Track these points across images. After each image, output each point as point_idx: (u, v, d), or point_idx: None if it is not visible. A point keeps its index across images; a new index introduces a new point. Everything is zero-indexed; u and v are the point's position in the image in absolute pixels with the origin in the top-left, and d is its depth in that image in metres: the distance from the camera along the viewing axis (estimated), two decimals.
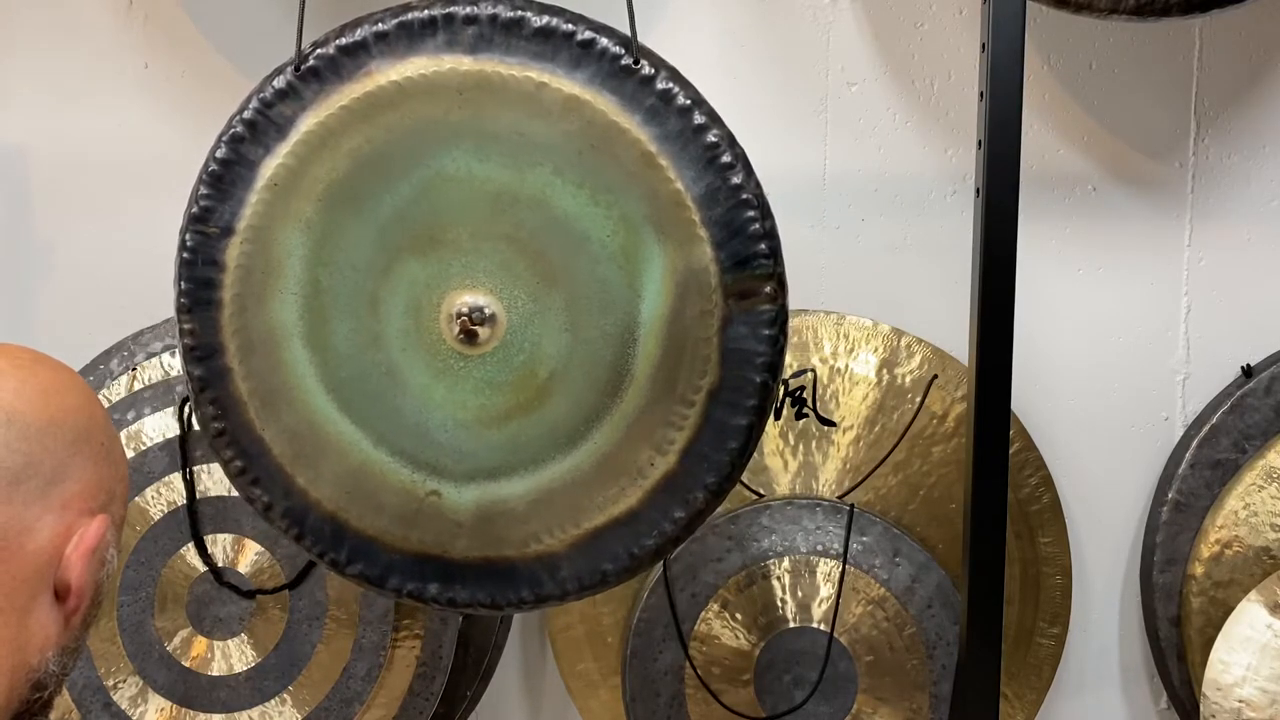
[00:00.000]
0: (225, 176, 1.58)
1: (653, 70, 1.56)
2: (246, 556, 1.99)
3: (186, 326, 1.60)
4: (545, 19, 1.56)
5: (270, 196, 1.58)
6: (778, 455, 2.20)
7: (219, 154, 1.58)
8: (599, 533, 1.64)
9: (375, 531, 1.65)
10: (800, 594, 2.09)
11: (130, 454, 1.98)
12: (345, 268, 1.60)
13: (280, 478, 1.63)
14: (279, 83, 1.57)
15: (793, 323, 2.16)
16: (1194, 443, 2.19)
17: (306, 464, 1.63)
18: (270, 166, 1.57)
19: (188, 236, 1.59)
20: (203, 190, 1.58)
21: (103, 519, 1.14)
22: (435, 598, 1.66)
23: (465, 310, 1.59)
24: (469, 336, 1.60)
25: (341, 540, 1.65)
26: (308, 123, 1.57)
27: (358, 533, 1.65)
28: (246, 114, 1.58)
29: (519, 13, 1.55)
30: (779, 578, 2.09)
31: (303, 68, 1.57)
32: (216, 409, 1.62)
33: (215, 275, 1.59)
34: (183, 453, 2.00)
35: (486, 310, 1.60)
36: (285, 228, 1.58)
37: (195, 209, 1.58)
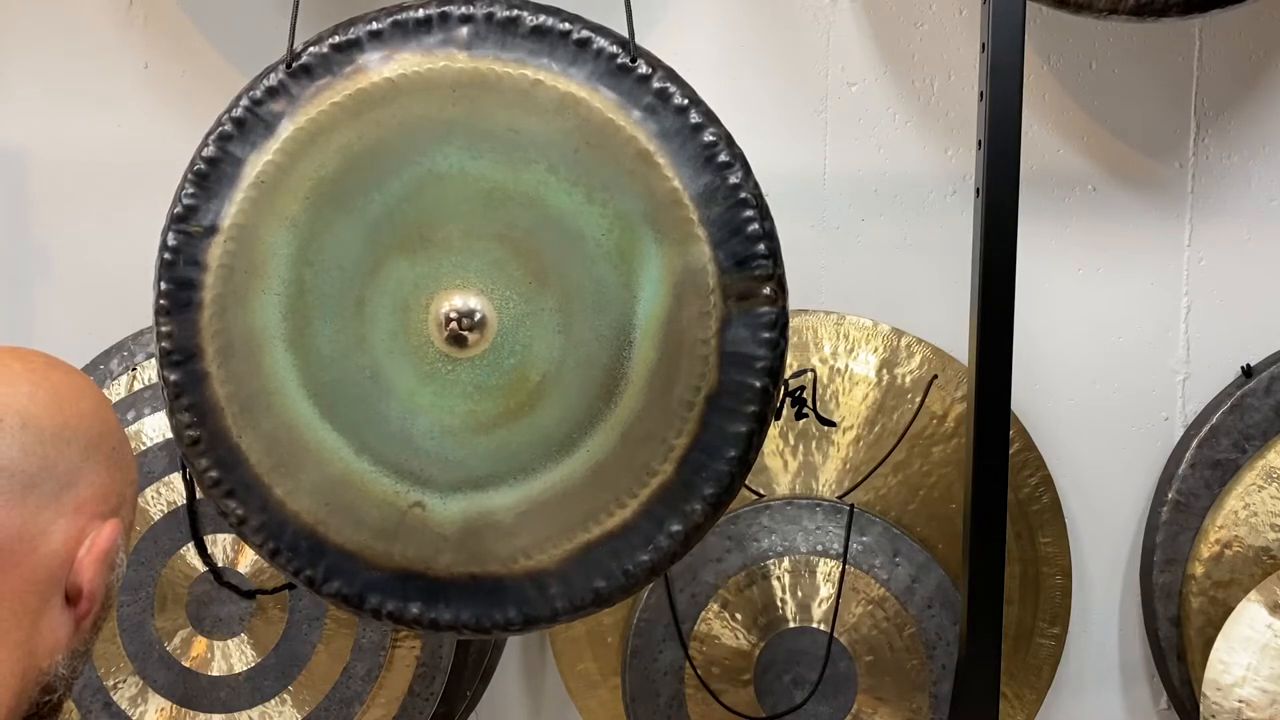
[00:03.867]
0: (211, 175, 1.55)
1: (649, 68, 1.56)
2: (246, 556, 2.00)
3: (164, 329, 1.56)
4: (541, 18, 1.55)
5: (257, 194, 1.55)
6: (778, 455, 2.20)
7: (205, 152, 1.56)
8: (591, 547, 1.58)
9: (355, 546, 1.58)
10: (800, 594, 2.08)
11: None
12: (331, 267, 1.56)
13: (257, 489, 1.58)
14: (270, 80, 1.56)
15: (793, 323, 2.16)
16: (1194, 443, 2.19)
17: (285, 474, 1.58)
18: (258, 164, 1.55)
19: (169, 236, 1.56)
20: (187, 189, 1.56)
21: (114, 523, 1.14)
22: (417, 619, 1.60)
23: (455, 314, 1.55)
24: (458, 339, 1.56)
25: (319, 556, 1.59)
26: (298, 120, 1.55)
27: (337, 547, 1.58)
28: (236, 112, 1.56)
29: (515, 11, 1.55)
30: (779, 578, 2.09)
31: (294, 65, 1.56)
32: (192, 415, 1.57)
33: (197, 276, 1.55)
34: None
35: (477, 315, 1.56)
36: (270, 226, 1.55)
37: (178, 208, 1.56)
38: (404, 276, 1.57)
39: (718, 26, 2.27)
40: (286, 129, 1.55)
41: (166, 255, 1.56)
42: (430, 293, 1.57)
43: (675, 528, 1.59)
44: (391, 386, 1.58)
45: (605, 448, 1.58)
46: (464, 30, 1.55)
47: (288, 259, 1.56)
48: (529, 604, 1.60)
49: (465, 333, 1.56)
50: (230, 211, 1.55)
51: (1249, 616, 2.04)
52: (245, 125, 1.56)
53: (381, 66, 1.55)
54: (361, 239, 1.56)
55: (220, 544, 2.00)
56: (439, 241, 1.56)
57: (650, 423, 1.57)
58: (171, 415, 1.59)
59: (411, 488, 1.59)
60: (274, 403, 1.57)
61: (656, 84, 1.55)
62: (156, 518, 2.00)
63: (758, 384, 1.57)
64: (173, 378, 1.57)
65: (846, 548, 2.08)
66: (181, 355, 1.56)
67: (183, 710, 2.00)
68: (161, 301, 1.56)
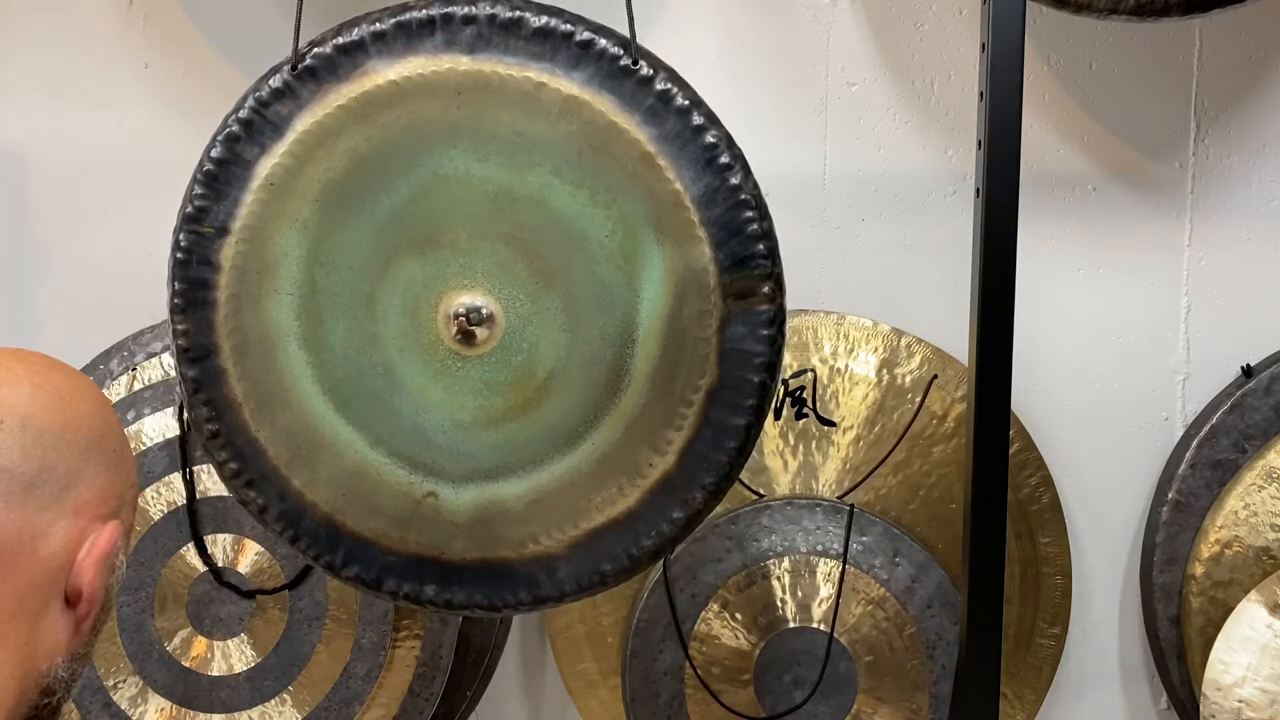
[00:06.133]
0: (220, 176, 1.57)
1: (651, 71, 1.56)
2: (246, 556, 2.00)
3: (180, 327, 1.59)
4: (544, 19, 1.55)
5: (266, 196, 1.56)
6: (778, 455, 2.20)
7: (214, 153, 1.57)
8: (597, 534, 1.63)
9: (372, 534, 1.64)
10: (800, 594, 2.09)
11: None
12: (342, 268, 1.59)
13: (276, 480, 1.62)
14: (275, 82, 1.57)
15: (793, 323, 2.17)
16: (1194, 443, 2.19)
17: (302, 466, 1.62)
18: (266, 166, 1.56)
19: (182, 236, 1.58)
20: (197, 190, 1.57)
21: (114, 525, 1.14)
22: (432, 600, 1.65)
23: (463, 311, 1.59)
24: (467, 337, 1.59)
25: (338, 543, 1.64)
26: (304, 122, 1.56)
27: (354, 535, 1.64)
28: (242, 113, 1.57)
29: (517, 13, 1.55)
30: (779, 578, 2.09)
31: (299, 67, 1.56)
32: (210, 410, 1.60)
33: (210, 275, 1.58)
34: (183, 453, 2.00)
35: (484, 311, 1.59)
36: (281, 227, 1.57)
37: (190, 209, 1.57)
38: (413, 276, 1.59)
39: (718, 27, 2.27)
40: (294, 131, 1.56)
41: (180, 255, 1.58)
42: (439, 292, 1.59)
43: (676, 514, 1.63)
44: (403, 383, 1.61)
45: (610, 440, 1.62)
46: (467, 32, 1.55)
47: (299, 260, 1.58)
48: (538, 586, 1.65)
49: (474, 329, 1.59)
50: (240, 213, 1.57)
51: (1249, 616, 2.04)
52: (252, 127, 1.57)
53: (386, 69, 1.56)
54: (371, 240, 1.58)
55: (220, 544, 2.00)
56: (446, 242, 1.58)
57: (653, 417, 1.60)
58: (191, 410, 1.61)
59: (425, 479, 1.63)
60: (290, 398, 1.61)
61: (659, 86, 1.56)
62: (156, 518, 2.00)
63: (756, 379, 1.59)
64: (190, 374, 1.60)
65: (846, 548, 2.08)
66: (198, 352, 1.59)
67: (183, 710, 1.99)
68: (176, 300, 1.59)
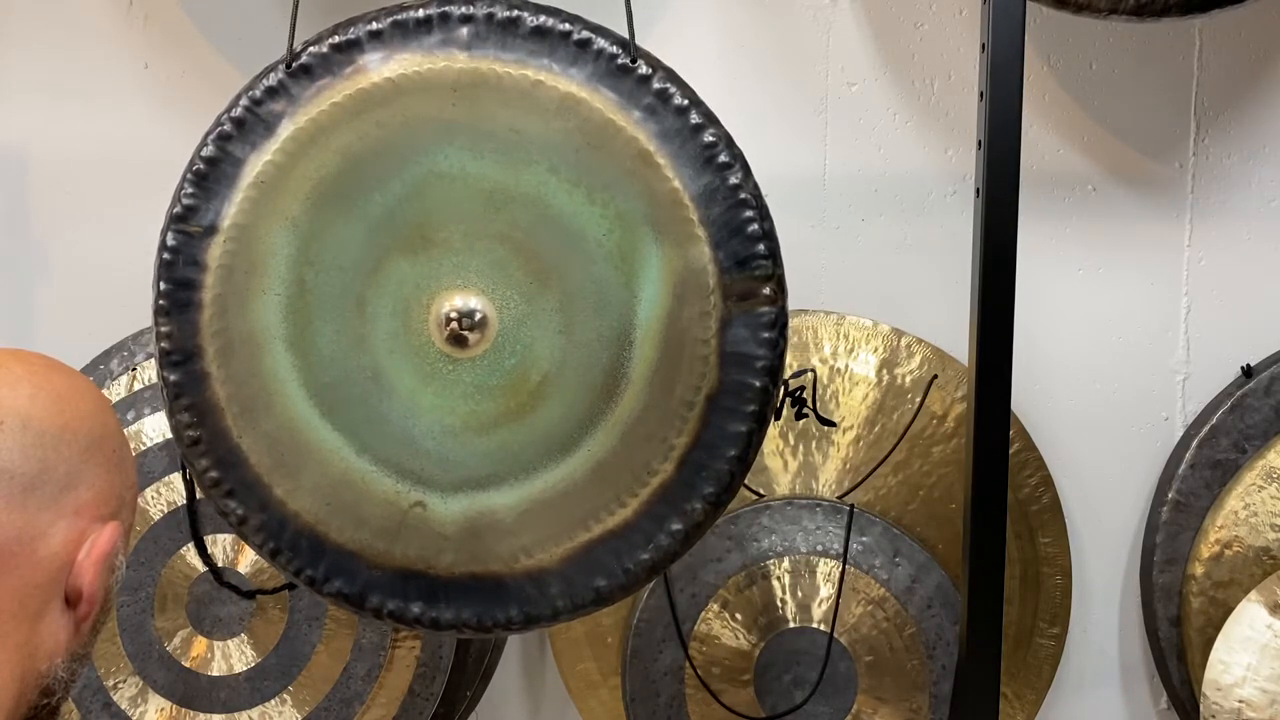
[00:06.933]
0: (210, 175, 1.55)
1: (650, 69, 1.56)
2: (246, 556, 2.00)
3: (164, 330, 1.55)
4: (541, 18, 1.55)
5: (256, 194, 1.54)
6: (778, 455, 2.20)
7: (205, 152, 1.55)
8: (592, 547, 1.58)
9: (356, 546, 1.58)
10: (800, 594, 2.08)
11: None
12: (332, 267, 1.56)
13: (257, 489, 1.57)
14: (270, 80, 1.56)
15: (793, 323, 2.16)
16: (1194, 443, 2.19)
17: (285, 474, 1.58)
18: (257, 164, 1.54)
19: (169, 236, 1.56)
20: (187, 189, 1.55)
21: (114, 526, 1.14)
22: (418, 618, 1.60)
23: (455, 315, 1.55)
24: (458, 340, 1.56)
25: (320, 555, 1.59)
26: (298, 120, 1.54)
27: (338, 547, 1.59)
28: (235, 112, 1.56)
29: (515, 12, 1.55)
30: (779, 578, 2.09)
31: (294, 65, 1.56)
32: (192, 416, 1.56)
33: (196, 276, 1.55)
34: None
35: (477, 315, 1.56)
36: (271, 226, 1.55)
37: (178, 208, 1.56)
38: (405, 277, 1.57)
39: (718, 27, 2.27)
40: (286, 129, 1.55)
41: (166, 255, 1.56)
42: (431, 293, 1.57)
43: (676, 526, 1.59)
44: (392, 387, 1.58)
45: (606, 447, 1.58)
46: (464, 30, 1.54)
47: (288, 259, 1.56)
48: (530, 603, 1.60)
49: (466, 333, 1.56)
50: (230, 211, 1.55)
51: (1249, 616, 2.04)
52: (245, 125, 1.55)
53: (382, 67, 1.55)
54: (362, 239, 1.56)
55: (220, 544, 2.00)
56: (440, 242, 1.56)
57: (651, 422, 1.57)
58: (171, 415, 1.58)
59: (413, 487, 1.59)
60: (274, 403, 1.57)
61: (657, 85, 1.55)
62: (156, 518, 2.00)
63: (758, 383, 1.57)
64: (172, 378, 1.56)
65: (846, 548, 2.08)
66: (181, 355, 1.56)
67: (183, 710, 2.00)
68: (161, 302, 1.56)
